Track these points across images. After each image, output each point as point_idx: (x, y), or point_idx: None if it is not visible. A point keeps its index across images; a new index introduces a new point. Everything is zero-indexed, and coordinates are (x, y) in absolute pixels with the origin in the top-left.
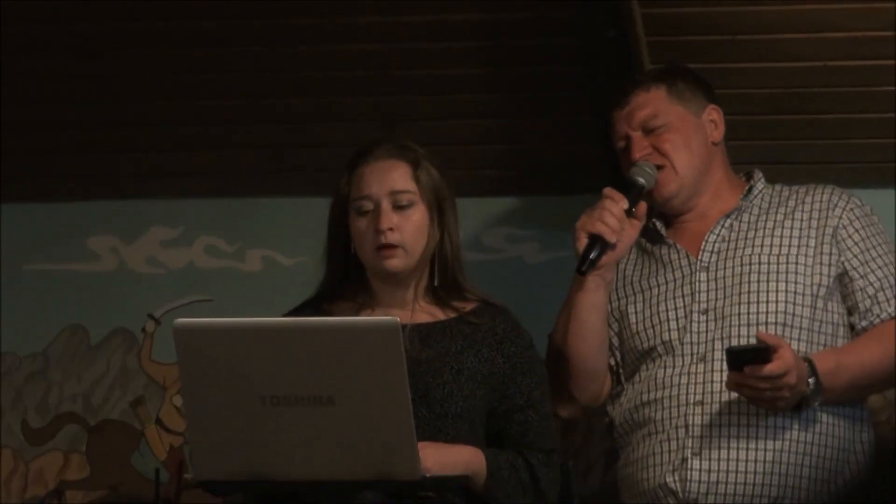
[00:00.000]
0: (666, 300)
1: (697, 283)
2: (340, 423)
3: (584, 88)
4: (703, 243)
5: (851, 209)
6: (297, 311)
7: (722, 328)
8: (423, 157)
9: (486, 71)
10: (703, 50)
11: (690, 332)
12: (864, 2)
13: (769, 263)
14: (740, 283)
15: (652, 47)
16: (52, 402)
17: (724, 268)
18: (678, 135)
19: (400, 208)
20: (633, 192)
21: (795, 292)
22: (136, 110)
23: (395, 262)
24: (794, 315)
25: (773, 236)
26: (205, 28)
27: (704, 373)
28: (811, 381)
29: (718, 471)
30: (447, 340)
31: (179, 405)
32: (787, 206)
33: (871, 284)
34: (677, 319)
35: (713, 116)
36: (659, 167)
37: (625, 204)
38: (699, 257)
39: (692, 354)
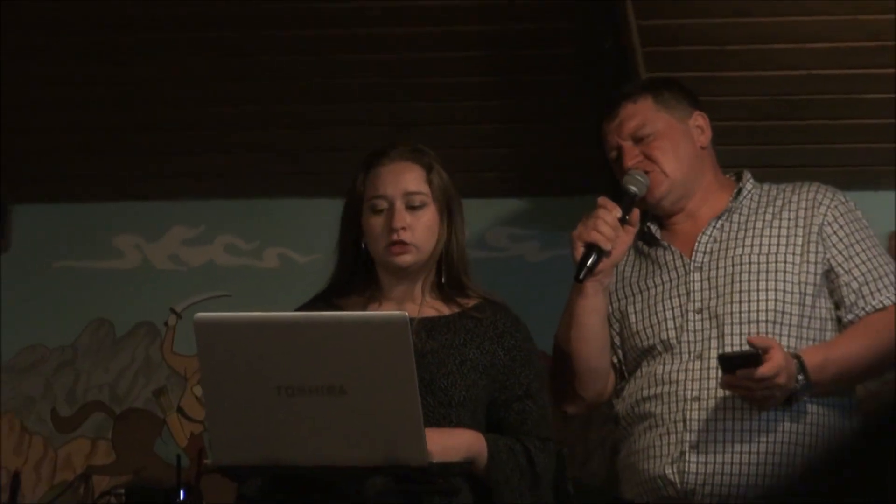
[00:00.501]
0: (663, 300)
1: (692, 283)
2: (351, 411)
3: (583, 95)
4: (696, 244)
5: (836, 206)
6: (309, 305)
7: (716, 326)
8: (435, 161)
9: (490, 79)
10: (695, 59)
11: (687, 330)
12: (847, 14)
13: (759, 263)
14: (732, 283)
15: (647, 57)
16: (80, 391)
17: (717, 268)
18: (666, 142)
19: (413, 208)
20: (625, 200)
21: (785, 290)
22: (160, 117)
23: (406, 259)
24: (783, 312)
25: (762, 236)
26: (226, 38)
27: (701, 370)
28: (800, 377)
29: (714, 463)
30: (451, 334)
31: (199, 395)
32: (774, 206)
33: (856, 279)
34: (674, 318)
35: (699, 122)
36: (648, 173)
37: (618, 212)
38: (692, 258)
39: (689, 352)
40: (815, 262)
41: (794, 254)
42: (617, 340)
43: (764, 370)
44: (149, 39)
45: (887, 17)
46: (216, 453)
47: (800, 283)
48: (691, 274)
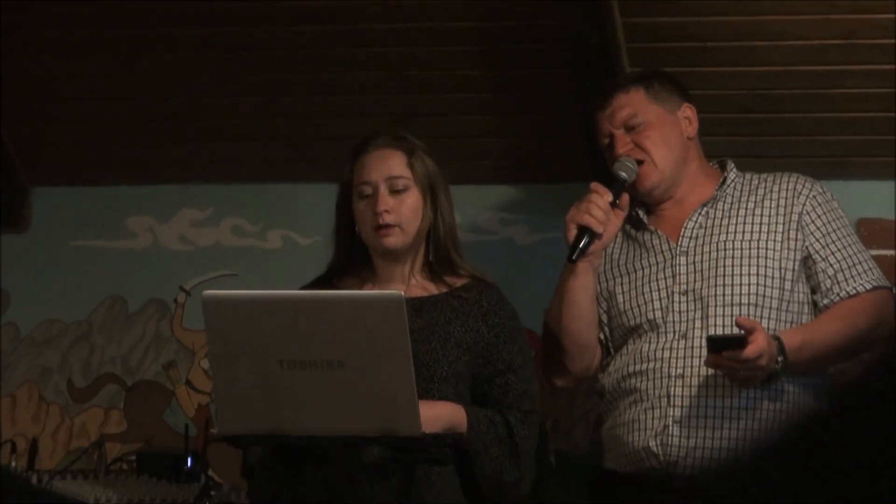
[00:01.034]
0: (650, 282)
1: (678, 267)
2: (349, 384)
3: (571, 89)
4: (683, 230)
5: (815, 196)
6: (310, 286)
7: (701, 308)
8: (417, 147)
9: (483, 73)
10: (677, 56)
11: (672, 311)
12: (820, 14)
13: (741, 249)
14: (716, 267)
15: (631, 53)
16: (95, 364)
17: (702, 252)
18: (656, 131)
19: (396, 192)
20: (616, 186)
21: (766, 275)
22: (171, 106)
23: (392, 241)
24: (764, 296)
25: (744, 223)
26: (232, 33)
27: (685, 349)
28: (780, 359)
29: (696, 437)
30: (437, 312)
31: (206, 368)
32: (757, 195)
33: (832, 266)
34: (660, 300)
35: (688, 114)
36: (640, 162)
37: (609, 197)
38: (679, 243)
39: (674, 332)
40: (795, 249)
41: (774, 241)
42: (604, 318)
43: (748, 352)
44: (159, 35)
45: (857, 17)
46: (222, 423)
47: (780, 268)
48: (677, 258)
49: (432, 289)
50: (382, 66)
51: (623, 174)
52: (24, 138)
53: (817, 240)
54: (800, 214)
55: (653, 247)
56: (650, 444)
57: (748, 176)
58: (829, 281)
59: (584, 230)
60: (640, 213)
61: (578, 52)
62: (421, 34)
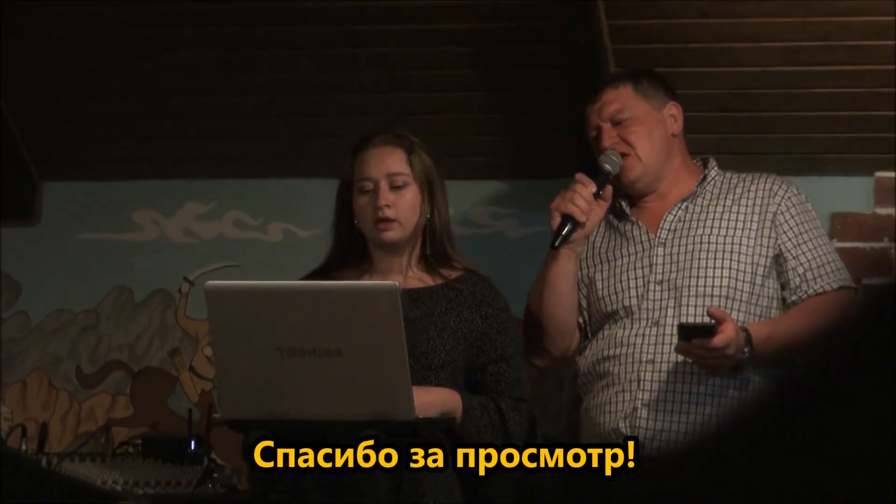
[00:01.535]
0: (628, 270)
1: (655, 257)
2: (346, 371)
3: (560, 88)
4: (662, 222)
5: (789, 197)
6: (309, 277)
7: (674, 297)
8: (416, 145)
9: (476, 72)
10: (660, 56)
11: (647, 299)
12: (798, 17)
13: (717, 243)
14: (692, 259)
15: (617, 53)
16: (102, 351)
17: (679, 245)
18: (642, 127)
19: (396, 188)
20: (600, 177)
21: (738, 269)
22: (176, 103)
23: (391, 234)
24: (735, 289)
25: (721, 219)
26: (235, 33)
27: (657, 335)
28: (747, 350)
29: (664, 420)
30: (433, 303)
31: (209, 355)
32: (735, 193)
33: (802, 265)
34: (637, 287)
35: (673, 111)
36: (624, 155)
37: (593, 188)
38: (658, 234)
39: (647, 319)
40: (767, 246)
41: (748, 237)
42: (584, 303)
43: (717, 341)
44: (163, 35)
45: (834, 20)
46: (224, 408)
47: (752, 263)
48: (655, 248)
49: (428, 280)
50: (379, 66)
51: (607, 166)
52: (34, 136)
53: (790, 239)
54: (774, 214)
55: (633, 237)
56: (619, 425)
57: (728, 174)
58: (798, 279)
59: (567, 218)
60: (624, 204)
61: (567, 53)
62: (416, 35)
